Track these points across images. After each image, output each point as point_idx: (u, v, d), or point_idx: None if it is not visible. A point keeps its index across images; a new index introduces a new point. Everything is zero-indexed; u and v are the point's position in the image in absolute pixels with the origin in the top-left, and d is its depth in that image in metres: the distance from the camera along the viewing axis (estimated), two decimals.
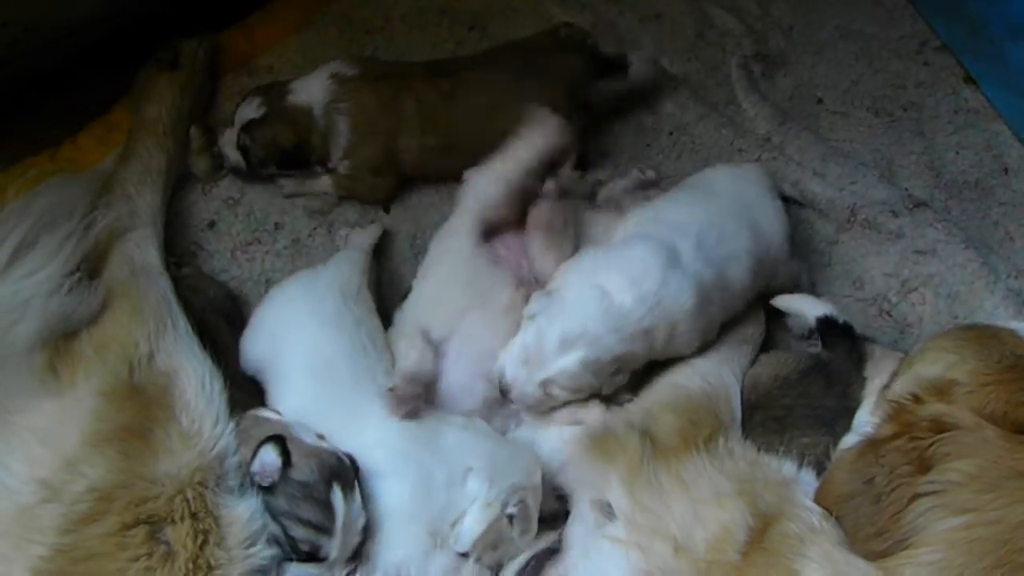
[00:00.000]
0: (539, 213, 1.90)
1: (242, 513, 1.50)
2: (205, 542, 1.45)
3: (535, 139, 1.88)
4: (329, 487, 1.52)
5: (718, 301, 1.77)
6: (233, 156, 2.05)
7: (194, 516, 1.46)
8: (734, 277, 1.78)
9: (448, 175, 2.06)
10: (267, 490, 1.54)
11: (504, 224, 1.90)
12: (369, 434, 1.65)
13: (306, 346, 1.73)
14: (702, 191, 1.90)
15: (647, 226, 1.80)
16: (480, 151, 1.91)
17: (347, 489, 1.54)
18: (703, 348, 1.80)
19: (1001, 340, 1.57)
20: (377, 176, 2.09)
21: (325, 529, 1.51)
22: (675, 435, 1.64)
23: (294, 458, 1.54)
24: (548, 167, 1.92)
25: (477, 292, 1.81)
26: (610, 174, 2.09)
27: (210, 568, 1.44)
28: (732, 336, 1.86)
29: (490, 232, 1.89)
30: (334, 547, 1.52)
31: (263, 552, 1.49)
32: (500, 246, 1.89)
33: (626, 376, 1.72)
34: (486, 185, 1.88)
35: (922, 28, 2.48)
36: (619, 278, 1.68)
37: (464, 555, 1.58)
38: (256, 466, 1.54)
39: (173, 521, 1.45)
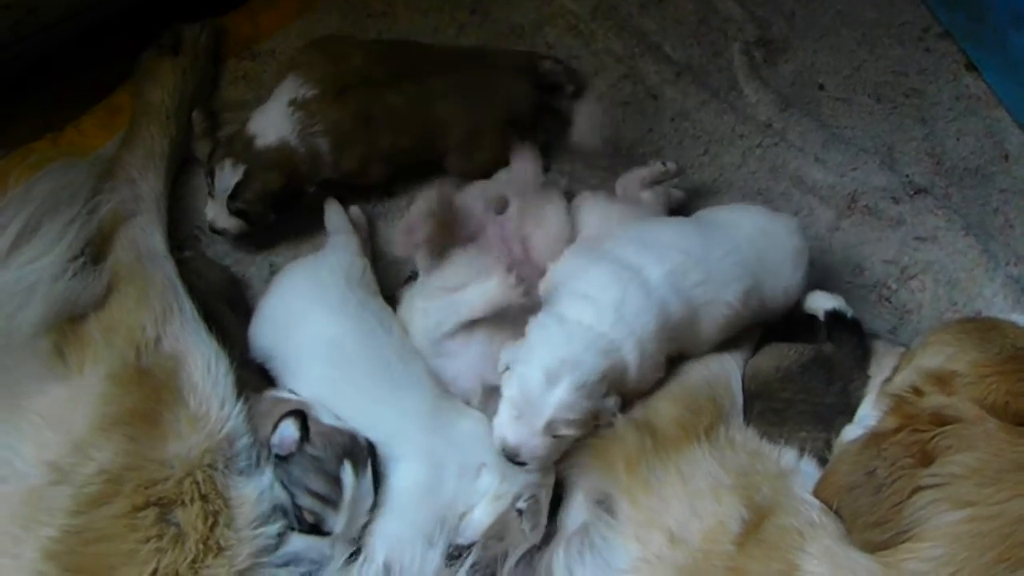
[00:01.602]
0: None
1: (251, 494, 1.52)
2: (215, 523, 1.47)
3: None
4: (340, 463, 1.55)
5: (680, 339, 1.72)
6: (233, 225, 1.97)
7: (204, 498, 1.48)
8: (705, 325, 1.73)
9: (434, 162, 2.07)
10: (282, 459, 1.56)
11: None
12: (384, 421, 1.67)
13: (315, 334, 1.74)
14: (719, 227, 1.81)
15: (624, 245, 1.74)
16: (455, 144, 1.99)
17: (359, 467, 1.56)
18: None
19: (1002, 332, 1.58)
20: (368, 168, 2.06)
21: (332, 502, 1.54)
22: (675, 425, 1.65)
23: (311, 433, 1.57)
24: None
25: (474, 274, 1.81)
26: (621, 162, 2.09)
27: (220, 549, 1.45)
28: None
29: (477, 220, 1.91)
30: (339, 521, 1.54)
31: (272, 531, 1.51)
32: (487, 233, 1.91)
33: (618, 402, 1.65)
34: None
35: (924, 15, 2.48)
36: (573, 301, 1.66)
37: (459, 554, 1.59)
38: (275, 438, 1.58)
39: (183, 503, 1.47)
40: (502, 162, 2.03)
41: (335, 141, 1.97)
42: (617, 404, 1.65)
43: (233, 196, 1.92)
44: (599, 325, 1.62)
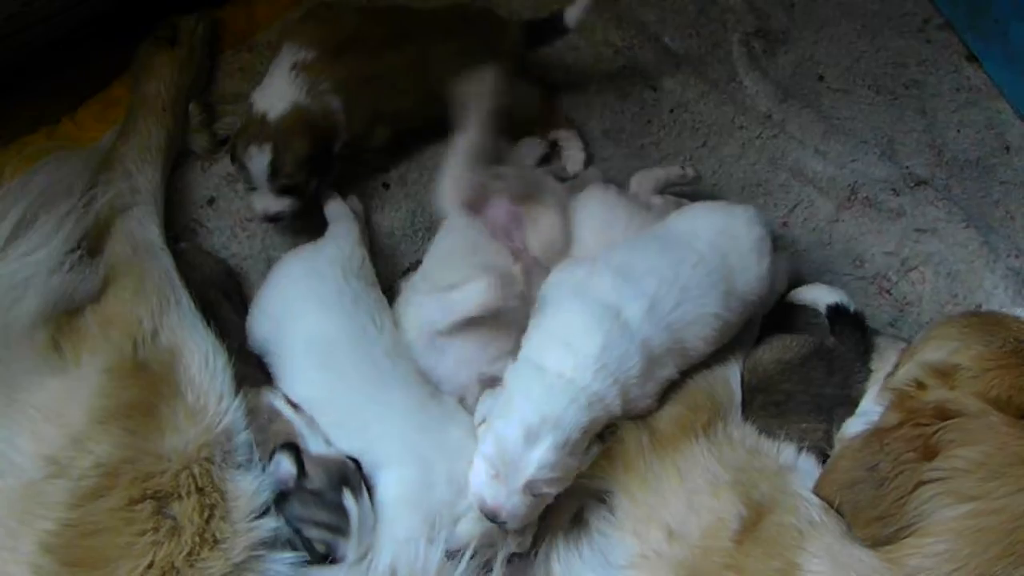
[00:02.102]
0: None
1: (247, 487, 1.52)
2: (211, 516, 1.46)
3: (476, 111, 1.85)
4: (340, 493, 1.55)
5: (671, 364, 1.68)
6: (285, 205, 1.94)
7: (200, 491, 1.48)
8: (692, 342, 1.68)
9: (437, 121, 2.04)
10: (281, 496, 1.56)
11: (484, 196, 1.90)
12: (373, 424, 1.66)
13: (308, 331, 1.73)
14: (680, 239, 1.76)
15: (603, 276, 1.69)
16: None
17: (356, 492, 1.57)
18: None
19: (1005, 326, 1.57)
20: (375, 130, 2.05)
21: (340, 530, 1.54)
22: (672, 422, 1.65)
23: (306, 467, 1.57)
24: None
25: (478, 265, 1.80)
26: (615, 157, 2.10)
27: (216, 542, 1.45)
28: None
29: (476, 206, 1.90)
30: (351, 548, 1.54)
31: (267, 525, 1.50)
32: (488, 220, 1.89)
33: (600, 447, 1.61)
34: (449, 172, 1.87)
35: (924, 6, 2.47)
36: (555, 350, 1.59)
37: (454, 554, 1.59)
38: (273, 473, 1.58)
39: (179, 496, 1.46)
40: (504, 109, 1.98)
41: (344, 99, 1.96)
42: (598, 451, 1.60)
43: (273, 176, 1.90)
44: (581, 378, 1.56)
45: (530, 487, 1.53)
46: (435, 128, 2.06)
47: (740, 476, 1.54)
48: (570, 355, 1.57)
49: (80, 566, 1.41)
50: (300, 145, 1.90)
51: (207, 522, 1.46)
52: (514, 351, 1.70)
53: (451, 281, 1.77)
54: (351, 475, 1.59)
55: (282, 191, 1.93)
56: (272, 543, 1.50)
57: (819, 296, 1.89)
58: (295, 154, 1.90)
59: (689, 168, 2.02)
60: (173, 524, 1.45)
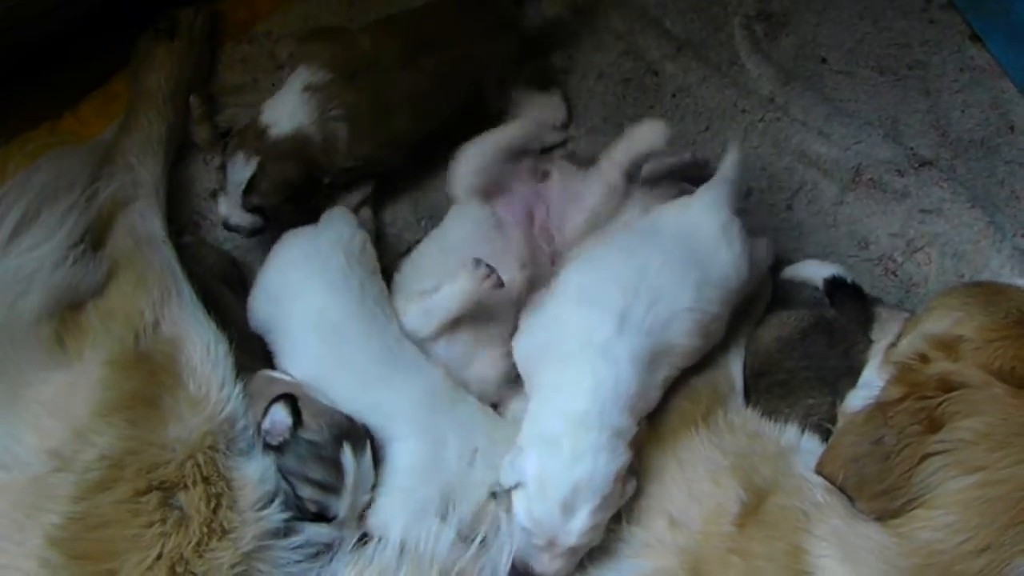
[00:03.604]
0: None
1: (253, 475, 1.52)
2: (218, 505, 1.46)
3: (528, 122, 1.86)
4: (339, 446, 1.54)
5: (666, 365, 1.64)
6: (248, 221, 1.89)
7: (206, 480, 1.47)
8: (677, 340, 1.64)
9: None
10: (277, 449, 1.55)
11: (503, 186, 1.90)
12: (384, 401, 1.66)
13: (313, 310, 1.72)
14: (641, 241, 1.72)
15: (565, 306, 1.66)
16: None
17: (358, 449, 1.55)
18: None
19: (1008, 296, 1.56)
20: (383, 152, 2.02)
21: (333, 489, 1.53)
22: (672, 415, 1.66)
23: (305, 417, 1.55)
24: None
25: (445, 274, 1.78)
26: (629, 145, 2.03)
27: (224, 531, 1.45)
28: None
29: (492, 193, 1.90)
30: (343, 506, 1.53)
31: (276, 514, 1.50)
32: (505, 211, 1.89)
33: (634, 484, 1.58)
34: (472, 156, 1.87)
35: None
36: (557, 420, 1.55)
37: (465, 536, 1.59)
38: (267, 424, 1.56)
39: (185, 486, 1.46)
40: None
41: (353, 125, 1.91)
42: (634, 488, 1.58)
43: (248, 190, 1.85)
44: (592, 429, 1.52)
45: (574, 552, 1.54)
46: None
47: (740, 462, 1.55)
48: (571, 414, 1.54)
49: (88, 559, 1.41)
50: (288, 171, 1.86)
51: (214, 512, 1.45)
52: (506, 348, 1.73)
53: (426, 288, 1.78)
54: (355, 431, 1.58)
55: (253, 208, 1.88)
56: (281, 532, 1.50)
57: (814, 271, 1.89)
58: (280, 178, 1.85)
59: (701, 156, 2.01)
60: (180, 515, 1.45)
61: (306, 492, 1.53)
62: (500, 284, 1.71)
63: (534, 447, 1.55)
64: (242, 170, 1.84)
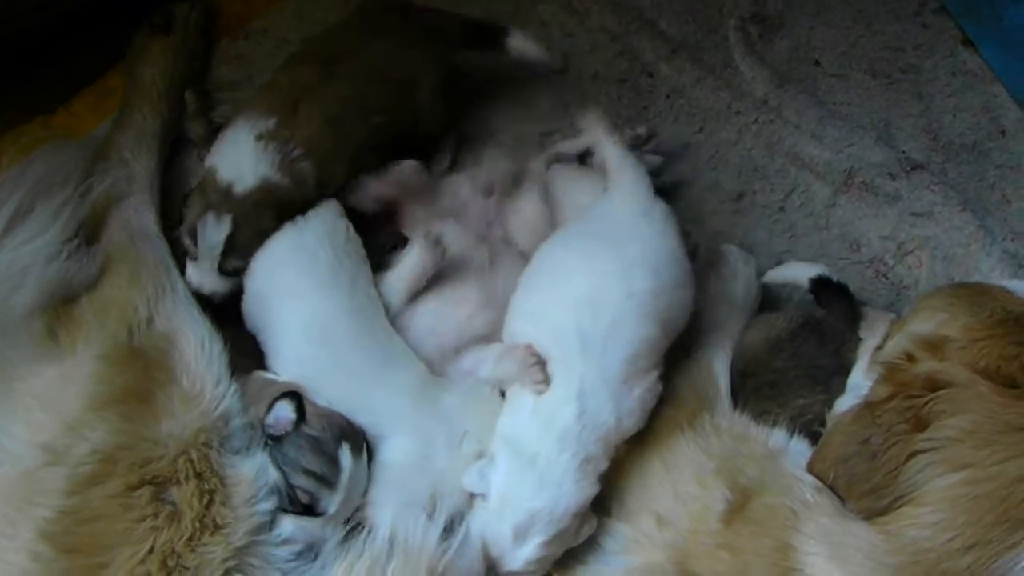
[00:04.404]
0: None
1: (248, 472, 1.52)
2: (211, 501, 1.47)
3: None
4: (339, 444, 1.55)
5: (638, 373, 1.59)
6: (225, 286, 1.78)
7: (199, 476, 1.48)
8: (632, 336, 1.58)
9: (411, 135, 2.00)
10: (276, 439, 1.56)
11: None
12: (373, 397, 1.67)
13: (303, 309, 1.71)
14: (563, 254, 1.69)
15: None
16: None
17: (356, 450, 1.56)
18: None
19: (992, 296, 1.57)
20: (357, 168, 1.92)
21: (328, 482, 1.53)
22: (658, 420, 1.65)
23: (308, 415, 1.56)
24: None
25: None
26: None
27: (217, 527, 1.45)
28: (717, 307, 1.83)
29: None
30: (334, 502, 1.54)
31: (269, 509, 1.51)
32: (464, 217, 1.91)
33: (592, 526, 1.57)
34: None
35: None
36: (536, 431, 1.55)
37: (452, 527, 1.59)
38: (270, 419, 1.57)
39: (178, 481, 1.47)
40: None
41: (317, 159, 1.82)
42: (592, 528, 1.57)
43: (226, 252, 1.75)
44: (562, 452, 1.52)
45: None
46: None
47: (725, 464, 1.55)
48: (553, 430, 1.53)
49: (79, 553, 1.41)
50: (264, 223, 1.77)
51: (207, 507, 1.46)
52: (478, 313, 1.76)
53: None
54: (355, 434, 1.59)
55: (230, 272, 1.78)
56: (272, 527, 1.50)
57: (798, 272, 1.90)
58: (255, 231, 1.76)
59: (640, 128, 2.03)
60: (172, 510, 1.45)
61: (300, 481, 1.53)
62: (446, 252, 1.74)
63: (506, 460, 1.55)
64: (216, 231, 1.74)
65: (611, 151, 1.77)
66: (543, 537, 1.51)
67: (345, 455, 1.54)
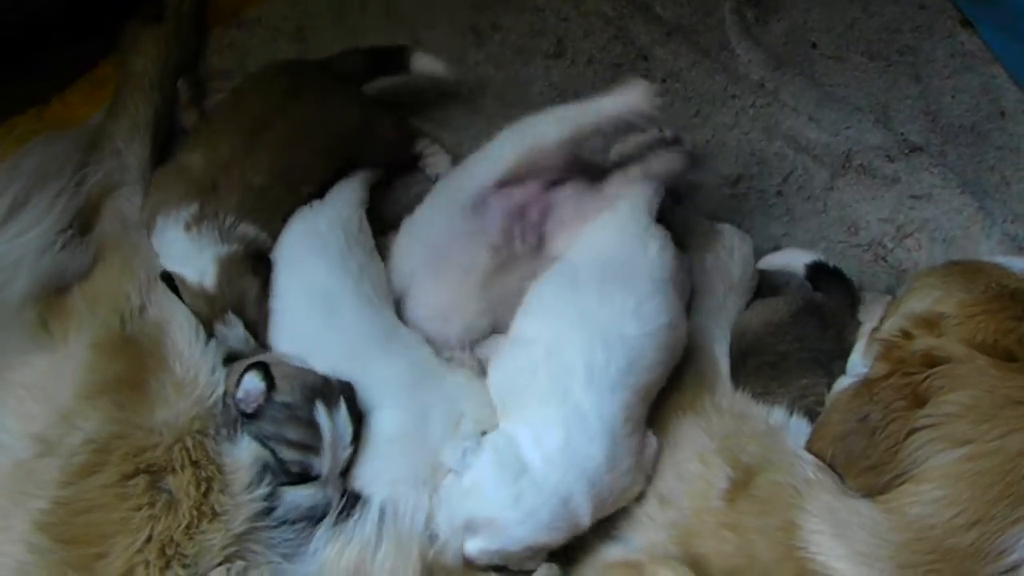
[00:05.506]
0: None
1: (245, 459, 1.52)
2: (208, 489, 1.46)
3: (620, 101, 1.76)
4: (312, 405, 1.53)
5: (644, 393, 1.58)
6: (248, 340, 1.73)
7: (195, 464, 1.47)
8: (645, 367, 1.57)
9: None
10: (252, 416, 1.54)
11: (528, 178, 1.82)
12: (369, 370, 1.66)
13: (309, 278, 1.72)
14: (565, 283, 1.66)
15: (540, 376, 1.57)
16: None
17: (330, 405, 1.55)
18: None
19: (985, 272, 1.56)
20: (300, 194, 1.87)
21: (312, 448, 1.53)
22: (659, 404, 1.65)
23: (276, 381, 1.55)
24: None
25: (453, 235, 1.78)
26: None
27: (215, 514, 1.45)
28: (715, 287, 1.83)
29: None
30: (325, 463, 1.54)
31: (266, 494, 1.51)
32: (499, 199, 1.84)
33: (540, 559, 1.53)
34: (548, 126, 1.78)
35: None
36: (532, 445, 1.51)
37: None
38: (240, 393, 1.54)
39: (174, 470, 1.46)
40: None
41: (257, 216, 1.78)
42: (539, 563, 1.53)
43: (249, 328, 1.72)
44: (550, 477, 1.48)
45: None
46: None
47: (727, 442, 1.55)
48: (545, 449, 1.50)
49: (76, 543, 1.41)
50: (251, 286, 1.72)
51: (205, 495, 1.45)
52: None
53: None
54: (326, 388, 1.57)
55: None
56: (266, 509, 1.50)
57: (793, 258, 1.89)
58: (253, 295, 1.72)
59: (668, 131, 1.93)
60: (169, 498, 1.45)
61: (287, 454, 1.53)
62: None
63: (492, 456, 1.52)
64: (236, 332, 1.70)
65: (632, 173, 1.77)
66: (488, 546, 1.47)
67: (321, 415, 1.53)
